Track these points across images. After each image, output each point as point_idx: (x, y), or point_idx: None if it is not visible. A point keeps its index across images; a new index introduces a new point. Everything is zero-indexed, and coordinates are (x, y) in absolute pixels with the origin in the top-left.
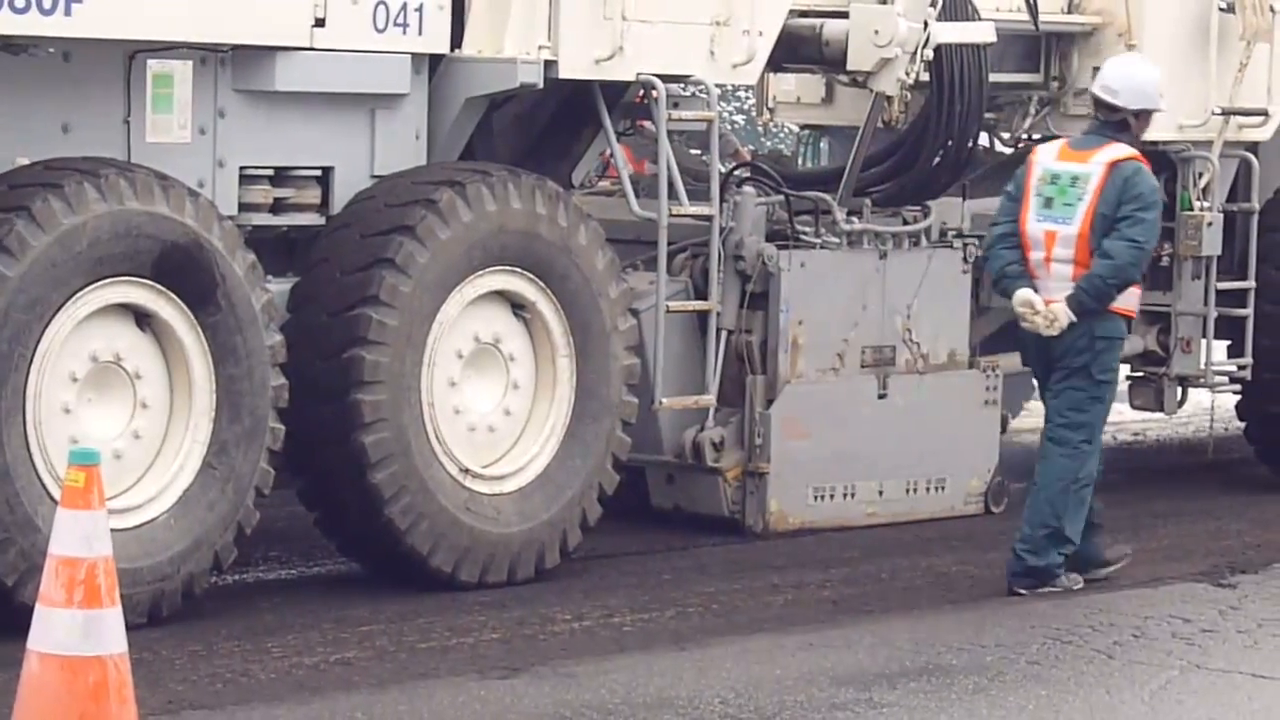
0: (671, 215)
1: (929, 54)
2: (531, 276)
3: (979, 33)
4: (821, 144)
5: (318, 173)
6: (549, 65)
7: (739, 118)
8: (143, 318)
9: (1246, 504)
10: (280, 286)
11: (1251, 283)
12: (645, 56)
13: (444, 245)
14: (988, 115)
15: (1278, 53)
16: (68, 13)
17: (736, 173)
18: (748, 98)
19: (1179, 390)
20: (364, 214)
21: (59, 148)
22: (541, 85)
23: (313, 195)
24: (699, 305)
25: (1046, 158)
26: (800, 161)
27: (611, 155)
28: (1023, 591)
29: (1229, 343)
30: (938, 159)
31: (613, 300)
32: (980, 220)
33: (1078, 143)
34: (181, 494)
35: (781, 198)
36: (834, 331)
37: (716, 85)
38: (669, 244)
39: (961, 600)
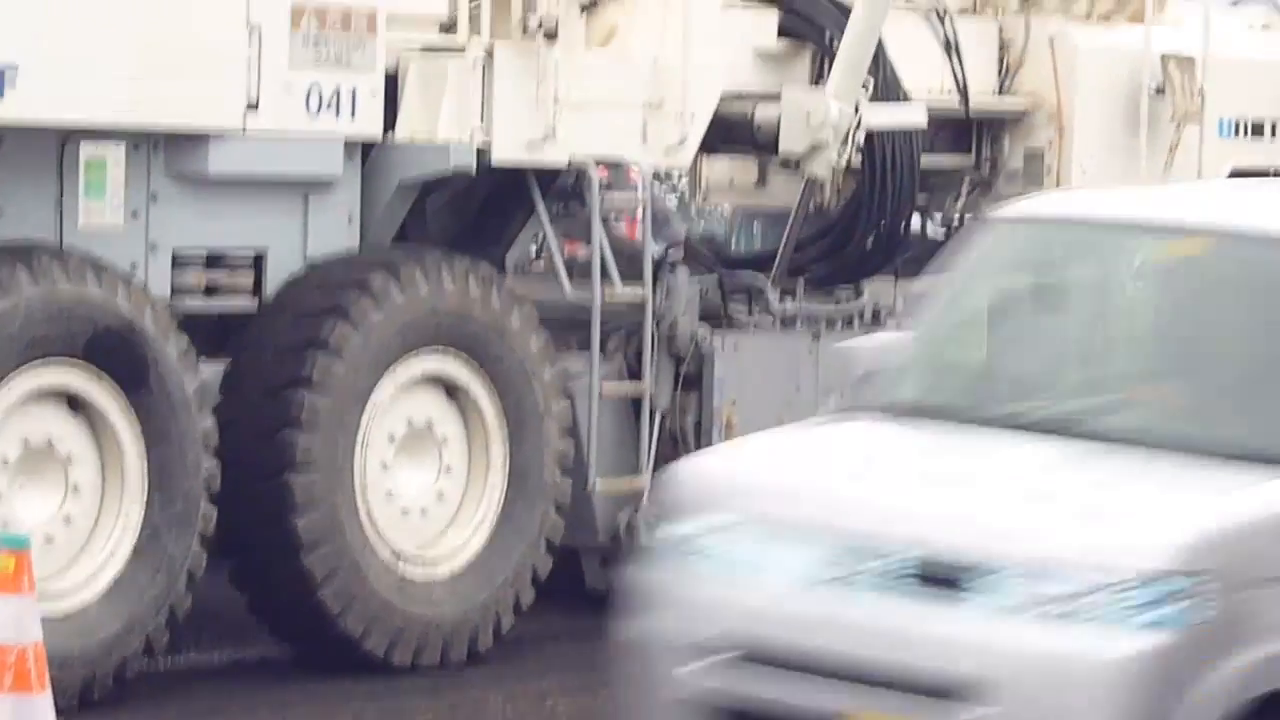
0: (605, 298)
1: (861, 137)
2: (465, 359)
3: (910, 115)
4: (755, 226)
5: (251, 256)
6: (482, 149)
7: (672, 199)
8: (75, 401)
9: None
10: (213, 369)
11: None
12: (578, 140)
13: (377, 327)
14: (920, 197)
15: (1208, 135)
16: (0, 96)
17: (670, 254)
18: (682, 178)
19: None
20: (297, 297)
21: None
22: (474, 169)
23: (246, 279)
24: (632, 387)
25: None
26: (734, 243)
27: (545, 238)
28: None
29: None
30: (870, 241)
31: (546, 383)
32: (914, 301)
33: None
34: (114, 578)
35: (715, 279)
36: (767, 412)
37: (650, 168)
38: (602, 326)
39: None
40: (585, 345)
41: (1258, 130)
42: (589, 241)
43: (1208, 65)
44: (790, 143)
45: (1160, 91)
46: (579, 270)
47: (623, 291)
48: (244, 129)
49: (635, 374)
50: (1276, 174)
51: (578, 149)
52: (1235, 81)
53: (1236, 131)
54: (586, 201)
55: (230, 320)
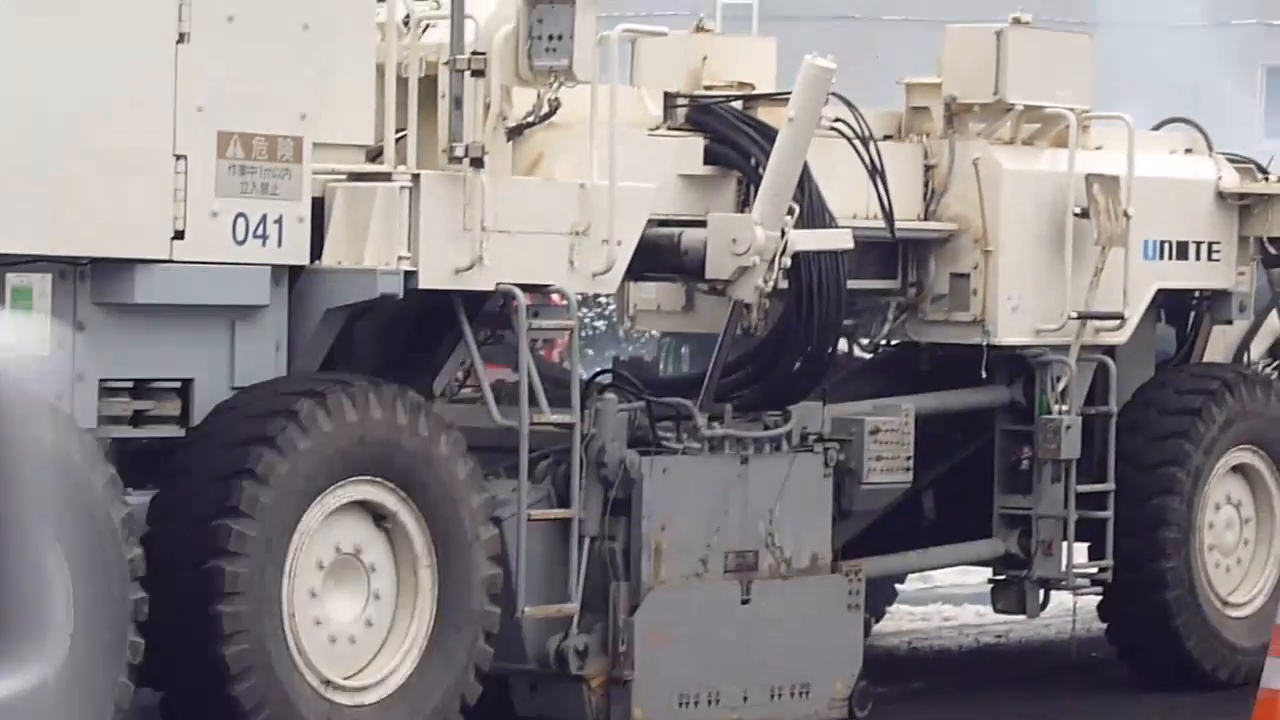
0: (532, 423)
1: (787, 261)
2: (392, 486)
3: (836, 240)
4: (682, 350)
5: (178, 384)
6: (409, 275)
7: (600, 324)
8: None
9: (1110, 705)
10: (140, 499)
11: (1111, 485)
12: (505, 266)
13: (304, 455)
14: (846, 321)
15: (1133, 257)
16: None
17: (598, 380)
18: (609, 304)
19: (1041, 593)
20: (224, 425)
21: None
22: (401, 295)
23: (173, 407)
24: (561, 513)
25: None
26: (661, 368)
27: (472, 363)
28: None
29: (1089, 545)
30: (798, 364)
31: (474, 510)
32: (841, 425)
33: None
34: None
35: (643, 404)
36: (697, 537)
37: (577, 294)
38: (531, 451)
39: None
40: (513, 471)
41: (1182, 252)
42: (516, 367)
43: (1132, 187)
44: (717, 267)
45: (1085, 214)
46: (507, 396)
47: (551, 417)
48: (170, 257)
49: (564, 500)
50: (1201, 296)
51: (505, 275)
52: (1159, 203)
53: (1161, 253)
54: (514, 327)
55: (158, 448)
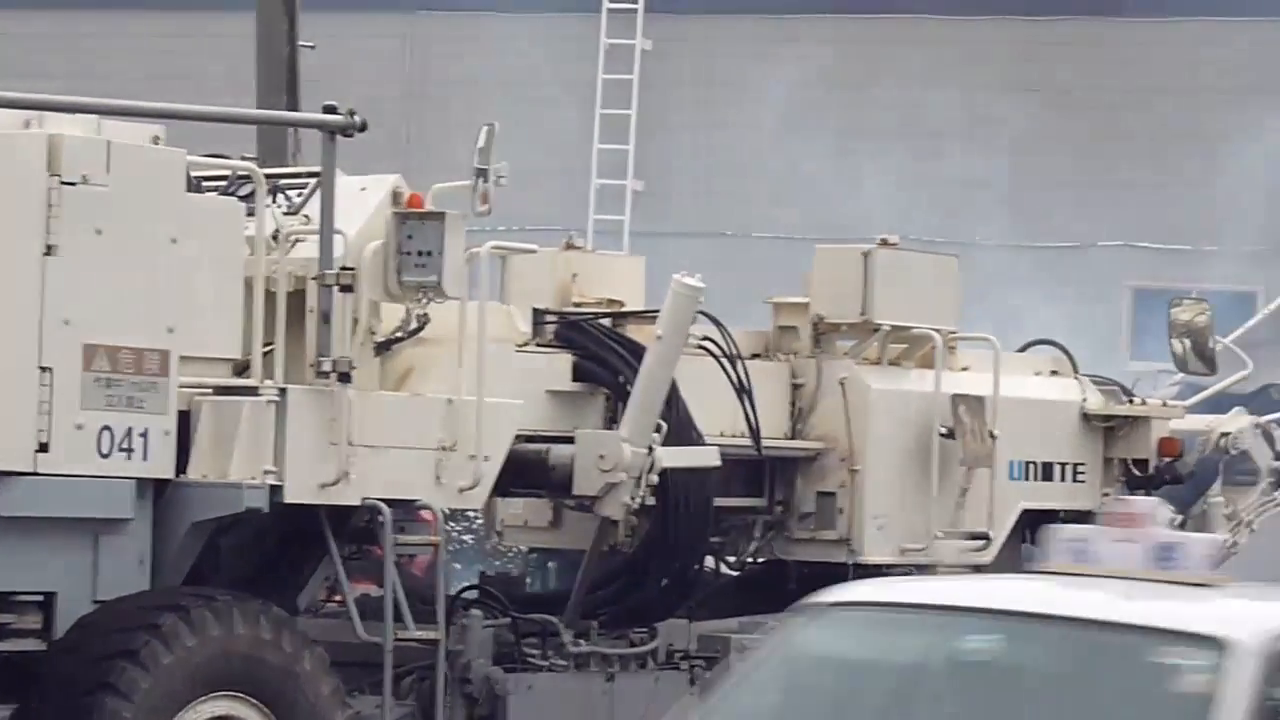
0: (397, 639)
1: (654, 478)
2: (255, 702)
3: (703, 457)
4: (549, 566)
5: (39, 598)
6: (274, 490)
7: (468, 538)
8: None
9: None
10: (1, 713)
11: None
12: (371, 481)
13: (167, 670)
14: (713, 538)
15: (998, 478)
16: None
17: (464, 595)
18: (477, 518)
19: None
20: (86, 639)
21: None
22: (267, 510)
23: (34, 620)
24: None
25: None
26: (528, 583)
27: (337, 578)
28: None
29: None
30: (664, 581)
31: None
32: (708, 642)
33: None
34: None
35: (509, 620)
36: None
37: (443, 509)
38: (395, 667)
39: None
40: (378, 688)
41: (1048, 473)
42: (382, 582)
43: (998, 408)
44: (584, 484)
45: (951, 434)
46: (372, 611)
47: (415, 633)
48: (34, 469)
49: (429, 717)
50: (1066, 517)
51: (371, 490)
52: (1025, 424)
53: (1027, 474)
54: (379, 542)
55: (18, 662)
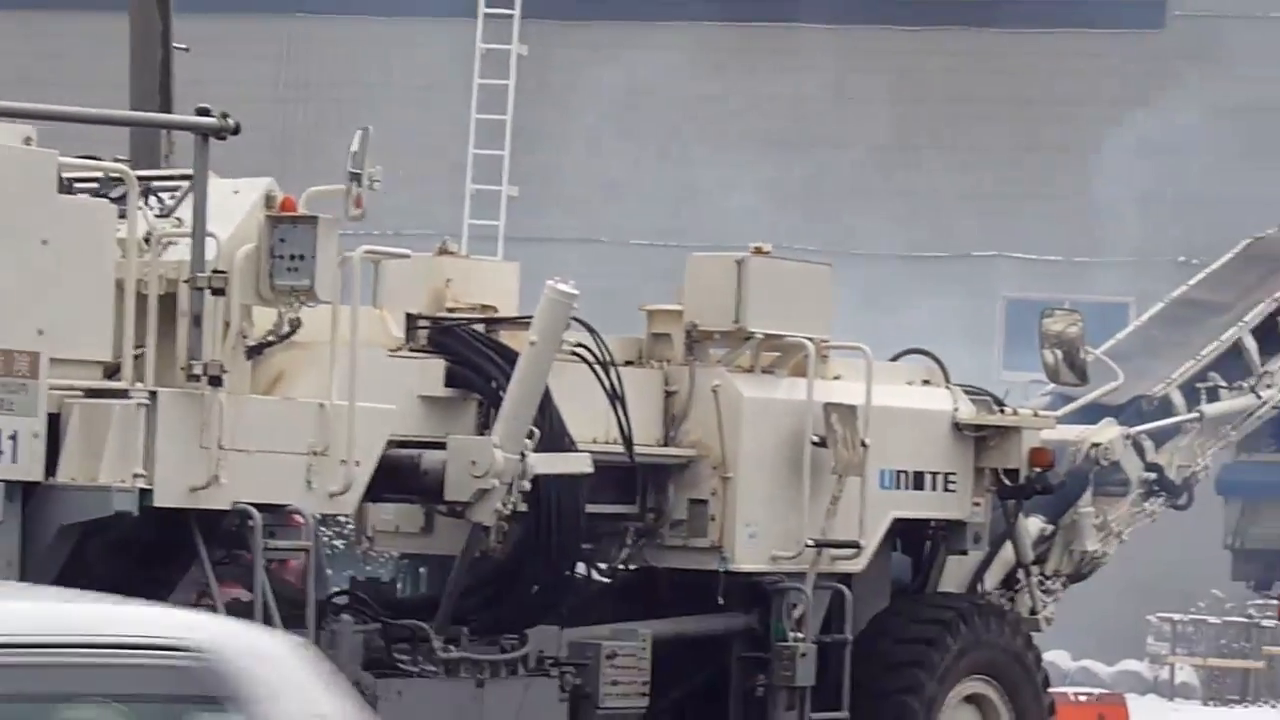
0: None
1: (526, 484)
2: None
3: (576, 464)
4: (420, 571)
5: None
6: (144, 493)
7: (339, 543)
8: None
9: None
10: None
11: (845, 714)
12: (242, 485)
13: None
14: (585, 545)
15: (870, 486)
16: None
17: (334, 600)
18: (348, 523)
19: None
20: None
21: None
22: (136, 513)
23: None
24: None
25: None
26: (399, 589)
27: (207, 583)
28: None
29: None
30: (535, 588)
31: None
32: (578, 649)
33: None
34: None
35: (379, 625)
36: None
37: (314, 514)
38: None
39: None
40: None
41: (919, 482)
42: (251, 587)
43: (869, 417)
44: (456, 490)
45: (823, 442)
46: (241, 615)
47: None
48: None
49: None
50: (936, 526)
51: (241, 494)
52: (897, 433)
53: (898, 483)
54: (249, 547)
55: None
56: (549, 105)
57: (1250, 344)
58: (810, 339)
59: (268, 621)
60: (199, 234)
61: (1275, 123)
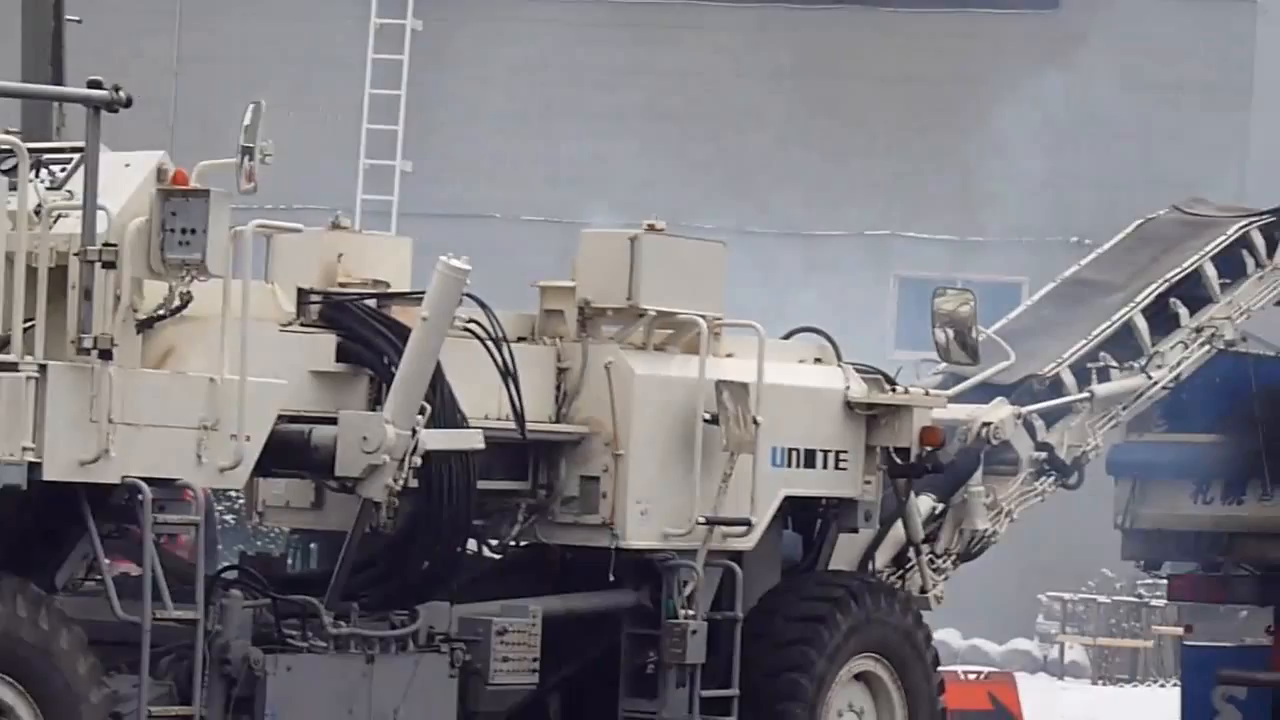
0: (155, 618)
1: (418, 460)
2: (11, 680)
3: (467, 440)
4: (311, 547)
5: None
6: (33, 467)
7: (229, 518)
8: None
9: None
10: None
11: (735, 691)
12: (132, 459)
13: None
14: (476, 521)
15: (761, 464)
16: None
17: (224, 575)
18: (239, 498)
19: None
20: None
21: None
22: (25, 487)
23: None
24: (183, 710)
25: None
26: (290, 564)
27: (96, 556)
28: None
29: None
30: (426, 564)
31: (94, 705)
32: (468, 625)
33: None
34: None
35: (269, 601)
36: None
37: (204, 488)
38: (153, 647)
39: None
40: (136, 667)
41: (810, 460)
42: (141, 561)
43: (761, 395)
44: (347, 465)
45: (714, 420)
46: (131, 590)
47: (174, 613)
48: None
49: (186, 697)
50: (827, 504)
51: (131, 468)
52: (788, 411)
53: (789, 461)
54: (139, 521)
55: None
56: (444, 80)
57: (1141, 324)
58: (703, 316)
59: (156, 596)
60: (90, 207)
61: (1168, 102)
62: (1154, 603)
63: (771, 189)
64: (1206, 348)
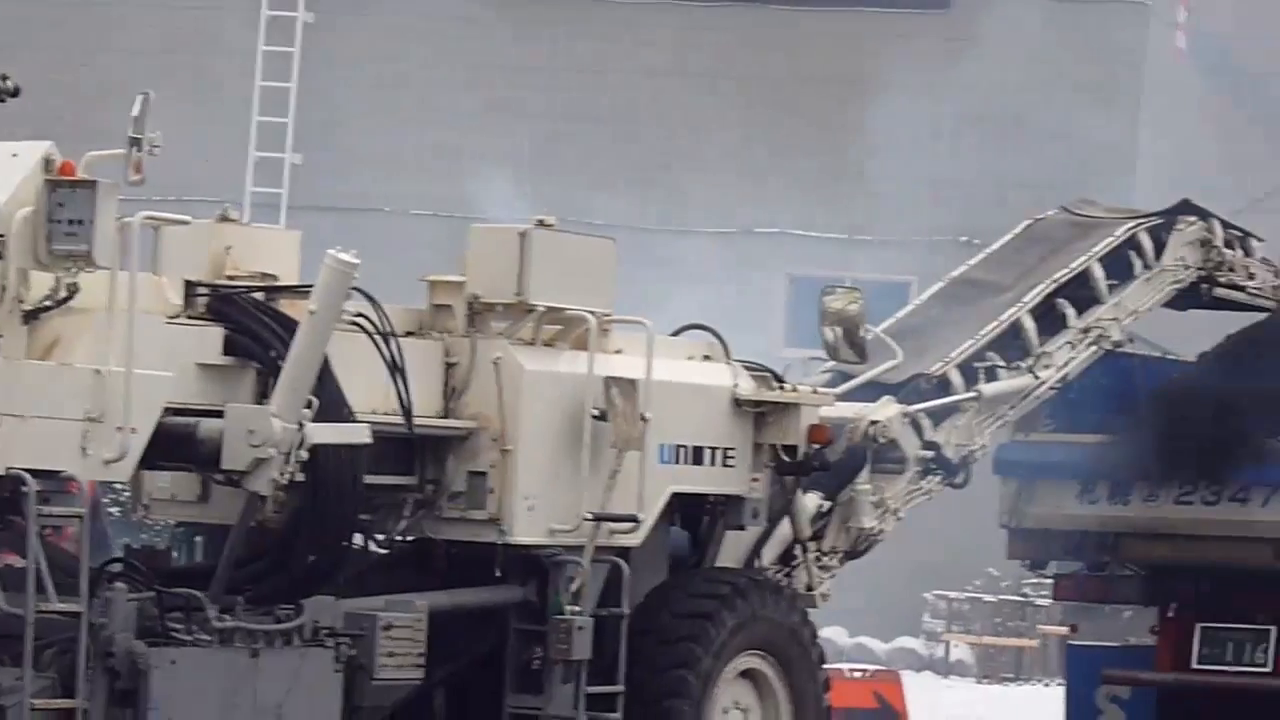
0: (39, 611)
1: (304, 454)
2: None
3: (354, 434)
4: (196, 540)
5: None
6: None
7: (114, 510)
8: None
9: None
10: None
11: (621, 687)
12: (16, 450)
13: None
14: (362, 516)
15: (649, 461)
16: None
17: (108, 568)
18: (125, 490)
19: None
20: None
21: None
22: None
23: None
24: (65, 703)
25: None
26: (175, 557)
27: None
28: None
29: None
30: (312, 558)
31: None
32: (354, 619)
33: None
34: None
35: (153, 594)
36: None
37: (89, 481)
38: (37, 640)
39: None
40: (19, 660)
41: (698, 457)
42: (25, 554)
43: (650, 392)
44: (233, 458)
45: (603, 416)
46: (14, 582)
47: (58, 605)
48: None
49: (69, 690)
50: (715, 501)
51: (15, 459)
52: (677, 408)
53: (677, 458)
54: (23, 513)
55: None
56: (335, 73)
57: (1029, 324)
58: (592, 312)
59: (40, 589)
60: None
61: (1059, 104)
62: (1039, 602)
63: (662, 186)
64: (1094, 348)
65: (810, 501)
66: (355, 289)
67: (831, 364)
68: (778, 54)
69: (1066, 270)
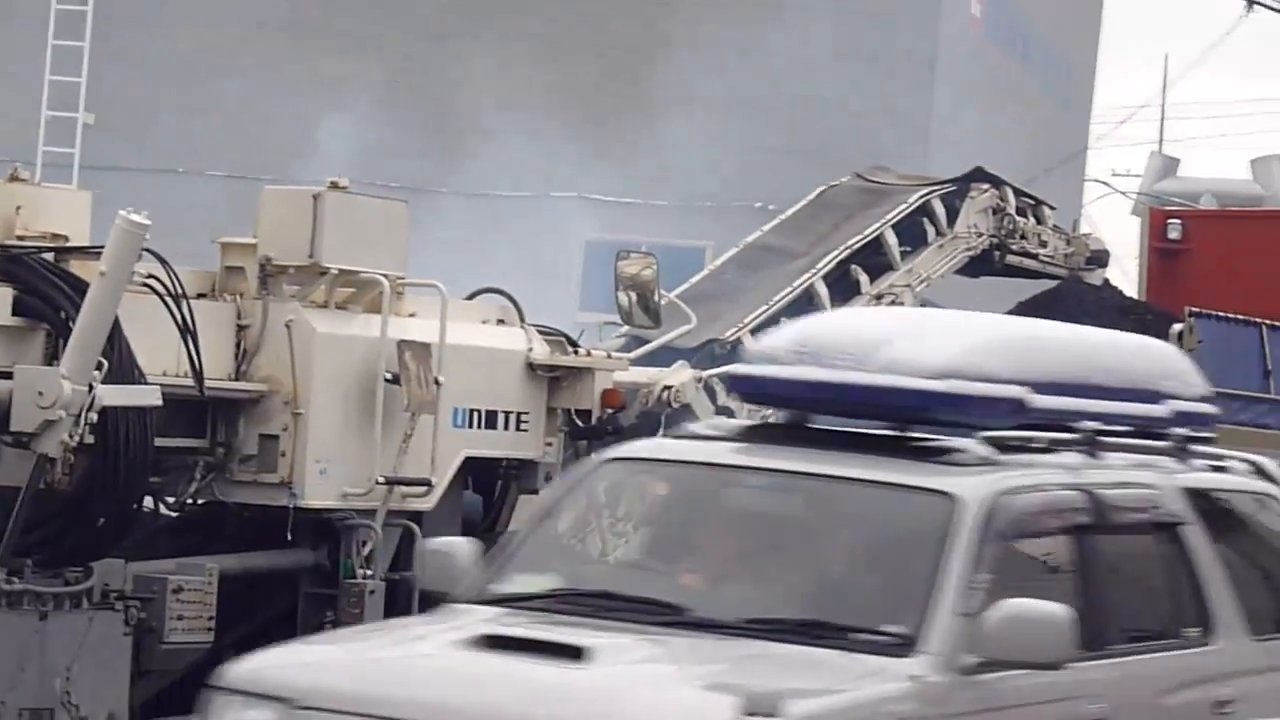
0: None
1: (94, 416)
2: None
3: (145, 396)
4: None
5: None
6: None
7: None
8: None
9: None
10: None
11: None
12: None
13: None
14: (153, 479)
15: (442, 425)
16: None
17: None
18: None
19: None
20: None
21: None
22: None
23: None
24: None
25: None
26: None
27: None
28: None
29: None
30: (102, 521)
31: None
32: (143, 582)
33: None
34: None
35: None
36: None
37: None
38: None
39: None
40: None
41: (491, 421)
42: None
43: (443, 355)
44: (21, 420)
45: (396, 380)
46: None
47: None
48: None
49: None
50: (508, 465)
51: None
52: (470, 372)
53: (471, 422)
54: None
55: None
56: (129, 32)
57: (822, 290)
58: (385, 276)
59: None
60: None
61: (857, 73)
62: None
63: (458, 149)
64: None
65: None
66: (146, 250)
67: (626, 329)
68: (580, 16)
69: (859, 236)
